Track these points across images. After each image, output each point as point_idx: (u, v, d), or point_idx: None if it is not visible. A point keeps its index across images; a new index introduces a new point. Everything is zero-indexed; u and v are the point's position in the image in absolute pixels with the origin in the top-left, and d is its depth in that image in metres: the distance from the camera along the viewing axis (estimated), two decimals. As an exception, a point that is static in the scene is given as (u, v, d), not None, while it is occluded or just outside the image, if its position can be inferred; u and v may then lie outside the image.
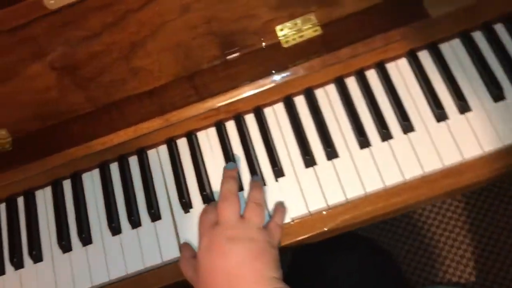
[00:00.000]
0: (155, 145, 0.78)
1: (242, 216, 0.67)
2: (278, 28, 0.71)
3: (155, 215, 0.75)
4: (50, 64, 0.70)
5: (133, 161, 0.79)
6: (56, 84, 0.71)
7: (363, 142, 0.72)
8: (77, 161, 0.76)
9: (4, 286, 0.76)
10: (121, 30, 0.69)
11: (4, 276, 0.77)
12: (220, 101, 0.72)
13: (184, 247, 0.72)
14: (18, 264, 0.77)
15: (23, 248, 0.78)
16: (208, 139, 0.78)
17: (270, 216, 0.71)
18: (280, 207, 0.71)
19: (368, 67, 0.75)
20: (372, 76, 0.76)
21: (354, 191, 0.70)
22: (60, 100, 0.71)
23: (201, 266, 0.65)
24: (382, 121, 0.72)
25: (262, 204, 0.69)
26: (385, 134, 0.72)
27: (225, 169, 0.73)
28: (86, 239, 0.76)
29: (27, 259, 0.77)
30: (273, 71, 0.71)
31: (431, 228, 1.30)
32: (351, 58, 0.70)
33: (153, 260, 0.73)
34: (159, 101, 0.72)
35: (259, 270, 0.63)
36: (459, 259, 1.26)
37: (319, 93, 0.76)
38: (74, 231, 0.77)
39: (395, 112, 0.73)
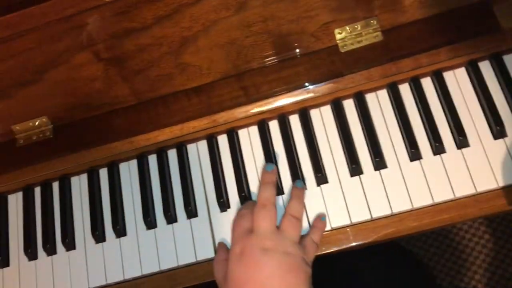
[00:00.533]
0: (195, 140, 0.76)
1: (278, 227, 0.65)
2: (337, 31, 0.67)
3: (191, 213, 0.73)
4: (98, 54, 0.67)
5: (172, 154, 0.77)
6: (102, 75, 0.68)
7: (414, 154, 0.69)
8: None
9: (36, 270, 0.76)
10: (173, 24, 0.65)
11: (36, 260, 0.76)
12: (269, 104, 0.69)
13: (220, 248, 0.70)
14: (50, 250, 0.76)
15: (56, 235, 0.77)
16: (249, 137, 0.75)
17: (309, 224, 0.69)
18: (319, 223, 0.68)
19: (424, 75, 0.71)
20: (427, 84, 0.72)
21: (401, 205, 0.67)
22: (105, 91, 0.69)
23: (231, 273, 0.63)
24: (435, 134, 0.69)
25: (301, 217, 0.67)
26: (438, 148, 0.68)
27: (264, 171, 0.70)
28: (120, 231, 0.74)
29: (60, 246, 0.76)
30: (327, 78, 0.67)
31: (459, 233, 1.27)
32: (412, 70, 0.65)
33: (187, 258, 0.72)
34: (207, 100, 0.69)
35: (291, 284, 0.61)
36: (486, 266, 1.23)
37: (370, 97, 0.73)
38: (108, 221, 0.75)
39: (449, 125, 0.69)
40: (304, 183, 0.71)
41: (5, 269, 0.77)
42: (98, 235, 0.75)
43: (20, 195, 0.80)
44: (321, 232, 0.67)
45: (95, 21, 0.63)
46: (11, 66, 0.69)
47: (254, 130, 0.75)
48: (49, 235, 0.76)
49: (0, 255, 0.76)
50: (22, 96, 0.73)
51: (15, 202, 0.80)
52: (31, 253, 0.76)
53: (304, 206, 0.69)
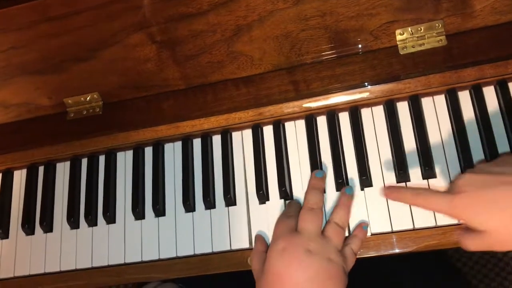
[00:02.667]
0: (240, 128, 0.75)
1: (322, 232, 0.65)
2: (398, 31, 0.64)
3: (230, 201, 0.73)
4: (152, 36, 0.67)
5: (216, 139, 0.77)
6: (154, 57, 0.68)
7: (467, 167, 0.65)
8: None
9: (76, 239, 0.78)
10: (229, 12, 0.64)
11: (78, 230, 0.79)
12: (318, 101, 0.67)
13: (259, 239, 0.70)
14: (92, 221, 0.78)
15: (98, 207, 0.79)
16: (295, 131, 0.74)
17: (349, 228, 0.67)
18: (360, 232, 0.66)
19: (487, 83, 0.67)
20: (489, 93, 0.68)
21: (446, 218, 0.64)
22: (156, 72, 0.69)
23: (269, 266, 0.63)
24: (492, 149, 0.65)
25: (345, 226, 0.66)
26: (494, 163, 0.64)
27: (313, 176, 0.69)
28: (159, 210, 0.75)
29: (100, 219, 0.78)
30: (383, 80, 0.64)
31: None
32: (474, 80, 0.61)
33: (221, 245, 0.72)
34: (255, 91, 0.68)
35: None
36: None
37: (425, 101, 0.69)
38: (149, 200, 0.77)
39: (509, 141, 0.65)
40: (347, 184, 0.69)
41: (48, 234, 0.79)
42: (138, 212, 0.76)
43: (67, 164, 0.82)
44: (361, 242, 0.66)
45: (151, 4, 0.63)
46: (67, 41, 0.70)
47: (301, 123, 0.74)
48: (92, 207, 0.78)
49: (45, 221, 0.79)
50: (76, 71, 0.74)
51: (62, 171, 0.82)
52: (73, 222, 0.78)
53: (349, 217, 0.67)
